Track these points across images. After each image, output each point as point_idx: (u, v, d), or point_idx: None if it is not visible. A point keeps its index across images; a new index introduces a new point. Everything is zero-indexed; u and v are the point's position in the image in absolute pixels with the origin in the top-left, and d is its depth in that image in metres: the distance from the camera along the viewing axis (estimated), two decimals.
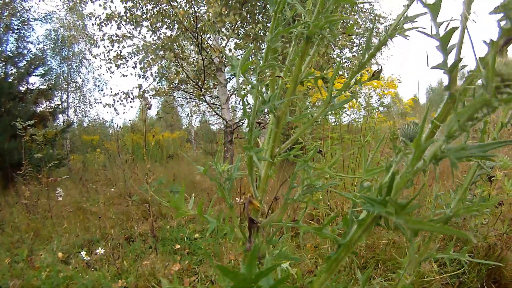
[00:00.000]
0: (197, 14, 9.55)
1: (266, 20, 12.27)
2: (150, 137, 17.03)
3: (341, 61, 15.36)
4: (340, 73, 13.21)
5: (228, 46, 11.10)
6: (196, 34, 9.45)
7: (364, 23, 17.07)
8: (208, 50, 10.08)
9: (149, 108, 4.09)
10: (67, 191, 8.29)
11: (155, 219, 6.25)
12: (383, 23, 17.34)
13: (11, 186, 8.90)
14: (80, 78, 24.24)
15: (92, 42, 13.25)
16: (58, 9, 23.38)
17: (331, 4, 1.27)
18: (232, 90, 11.49)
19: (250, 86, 1.30)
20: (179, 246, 4.89)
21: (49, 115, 14.14)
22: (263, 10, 12.00)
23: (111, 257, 4.39)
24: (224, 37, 10.76)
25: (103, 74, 24.80)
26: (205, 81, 10.26)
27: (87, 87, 25.21)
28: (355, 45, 16.66)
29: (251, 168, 1.40)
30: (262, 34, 11.15)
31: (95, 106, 25.69)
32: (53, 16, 22.50)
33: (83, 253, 4.38)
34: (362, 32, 16.62)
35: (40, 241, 5.20)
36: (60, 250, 4.70)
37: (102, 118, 26.36)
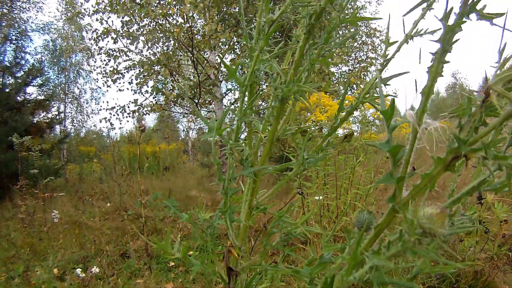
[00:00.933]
0: (193, 29, 9.61)
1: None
2: (147, 148, 17.11)
3: (337, 78, 15.32)
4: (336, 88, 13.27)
5: (225, 58, 11.19)
6: (192, 49, 9.52)
7: (360, 36, 17.16)
8: (204, 65, 10.16)
9: (143, 131, 4.17)
10: (63, 205, 8.35)
11: (150, 233, 6.31)
12: (378, 37, 17.41)
13: (8, 198, 8.93)
14: (78, 88, 24.40)
15: (89, 55, 13.32)
16: (56, 20, 23.51)
17: (306, 66, 1.33)
18: (228, 105, 11.55)
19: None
20: (173, 264, 4.95)
21: (46, 126, 14.16)
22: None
23: (105, 275, 4.45)
24: (220, 54, 10.86)
25: (100, 88, 24.84)
26: (201, 96, 10.32)
27: (84, 98, 25.28)
28: (351, 58, 16.76)
29: (231, 222, 1.46)
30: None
31: (92, 117, 25.78)
32: (51, 27, 22.63)
33: (78, 270, 4.43)
34: (358, 46, 16.72)
35: (36, 257, 5.25)
36: (55, 266, 4.75)
37: (100, 128, 26.39)
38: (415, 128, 0.97)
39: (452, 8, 0.87)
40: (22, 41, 18.86)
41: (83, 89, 24.65)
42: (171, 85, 10.85)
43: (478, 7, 0.86)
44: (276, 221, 1.54)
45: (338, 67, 15.88)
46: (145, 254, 4.84)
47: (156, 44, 11.35)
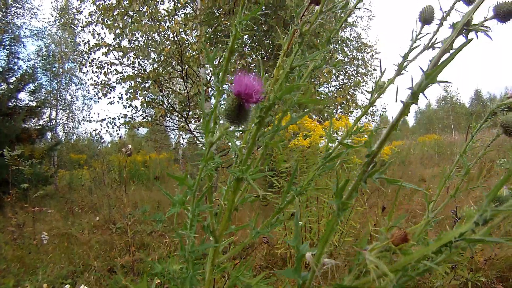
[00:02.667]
0: (184, 44, 9.75)
1: (253, 54, 12.54)
2: (138, 157, 17.18)
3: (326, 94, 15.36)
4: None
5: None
6: (181, 65, 9.67)
7: (350, 51, 17.29)
8: (195, 80, 10.30)
9: (129, 155, 4.31)
10: (52, 216, 8.44)
11: (137, 248, 6.42)
12: (369, 52, 17.55)
13: None
14: (70, 95, 24.40)
15: (81, 65, 13.43)
16: (50, 25, 23.56)
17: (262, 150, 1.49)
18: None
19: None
20: (158, 281, 5.05)
21: (37, 132, 14.20)
22: (251, 44, 12.29)
23: None
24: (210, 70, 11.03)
25: (91, 99, 24.86)
26: (190, 111, 10.46)
27: (76, 104, 25.29)
28: (341, 73, 16.87)
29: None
30: (249, 66, 11.45)
31: (83, 124, 25.77)
32: (44, 33, 22.68)
33: (67, 286, 4.55)
34: (348, 61, 16.83)
35: (26, 270, 5.35)
36: (45, 281, 4.86)
37: (90, 134, 26.42)
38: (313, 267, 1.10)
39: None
40: (15, 47, 18.93)
41: (75, 95, 24.66)
42: (161, 100, 10.98)
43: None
44: (234, 280, 1.67)
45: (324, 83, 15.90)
46: (131, 273, 4.96)
47: (146, 60, 11.48)
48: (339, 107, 14.35)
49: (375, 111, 18.16)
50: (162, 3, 10.96)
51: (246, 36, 11.89)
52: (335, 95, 16.00)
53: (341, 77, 17.12)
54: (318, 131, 5.33)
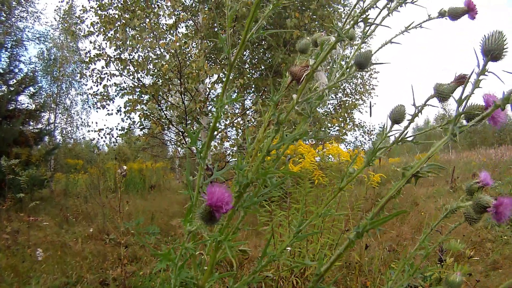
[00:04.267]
0: (183, 60, 9.86)
1: (253, 72, 12.71)
2: (134, 165, 17.21)
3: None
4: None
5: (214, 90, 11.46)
6: (180, 81, 9.78)
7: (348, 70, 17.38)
8: (193, 95, 10.41)
9: (124, 176, 4.39)
10: (46, 222, 8.49)
11: (130, 261, 6.48)
12: (368, 71, 17.69)
13: None
14: (69, 99, 24.48)
15: (82, 75, 13.49)
16: (52, 29, 23.67)
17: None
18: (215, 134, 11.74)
19: None
20: None
21: (35, 136, 14.24)
22: (251, 61, 12.44)
23: None
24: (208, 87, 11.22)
25: (90, 107, 24.91)
26: (188, 125, 10.55)
27: (75, 109, 25.35)
28: (339, 90, 16.96)
29: None
30: (248, 83, 11.63)
31: (81, 129, 25.83)
32: (47, 37, 22.78)
33: None
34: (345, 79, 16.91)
35: (19, 279, 5.40)
36: None
37: (88, 141, 26.41)
38: None
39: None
40: (17, 50, 19.00)
41: (74, 100, 24.74)
42: (158, 114, 11.08)
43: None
44: None
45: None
46: (122, 287, 5.02)
47: (145, 75, 11.59)
48: (333, 128, 14.45)
49: (372, 130, 18.24)
50: (164, 16, 11.05)
51: (246, 52, 12.05)
52: (332, 112, 16.10)
53: (340, 94, 17.24)
54: (308, 158, 5.41)
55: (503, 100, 1.22)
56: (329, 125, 14.13)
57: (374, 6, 1.69)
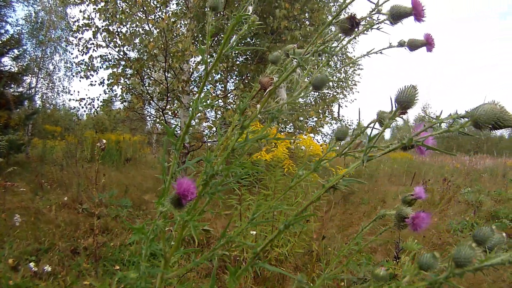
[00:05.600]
0: (170, 39, 9.97)
1: (238, 55, 12.84)
2: (112, 137, 17.24)
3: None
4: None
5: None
6: (165, 59, 9.90)
7: (335, 63, 17.41)
8: (177, 73, 10.52)
9: (103, 149, 4.55)
10: (21, 188, 8.61)
11: (101, 232, 6.65)
12: (352, 66, 17.77)
13: None
14: (52, 65, 24.33)
15: (68, 42, 13.50)
16: None
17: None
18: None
19: None
20: (118, 267, 5.30)
21: (15, 99, 14.20)
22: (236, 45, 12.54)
23: (56, 270, 4.84)
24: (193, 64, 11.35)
25: (73, 76, 24.71)
26: (168, 104, 10.70)
27: (58, 75, 25.21)
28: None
29: None
30: (232, 67, 11.76)
31: (62, 95, 25.71)
32: None
33: (31, 264, 4.80)
34: (331, 72, 16.89)
35: None
36: (11, 256, 5.09)
37: (68, 106, 26.26)
38: None
39: None
40: (5, 10, 18.79)
41: (57, 66, 24.58)
42: (141, 89, 11.19)
43: None
44: None
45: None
46: (93, 256, 5.21)
47: (131, 49, 11.67)
48: (311, 119, 14.57)
49: (350, 124, 18.38)
50: None
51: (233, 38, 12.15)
52: (312, 104, 16.23)
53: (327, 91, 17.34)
54: (280, 147, 5.63)
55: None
56: (307, 116, 14.26)
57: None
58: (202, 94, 1.86)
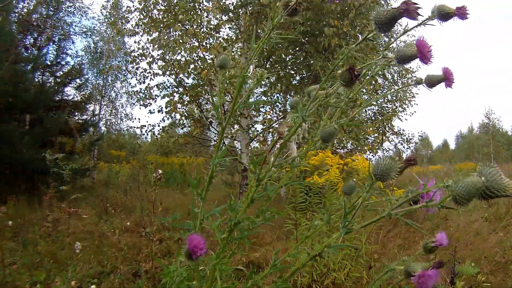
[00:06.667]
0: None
1: (296, 74, 12.82)
2: (175, 160, 17.47)
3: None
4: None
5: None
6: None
7: (391, 75, 17.08)
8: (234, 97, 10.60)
9: (159, 180, 4.64)
10: (86, 214, 8.82)
11: (163, 255, 6.73)
12: (409, 78, 17.15)
13: (37, 202, 9.40)
14: (114, 92, 24.91)
15: (127, 72, 13.84)
16: (99, 22, 24.17)
17: None
18: (252, 136, 11.88)
19: None
20: None
21: (80, 127, 14.60)
22: (292, 63, 12.53)
23: None
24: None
25: (134, 104, 25.28)
26: (228, 126, 10.79)
27: (120, 102, 25.75)
28: (380, 96, 16.66)
29: None
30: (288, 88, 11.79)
31: (125, 121, 26.22)
32: (93, 31, 23.28)
33: (93, 286, 4.91)
34: (388, 86, 16.55)
35: (57, 265, 5.68)
36: (74, 278, 5.21)
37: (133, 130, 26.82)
38: None
39: None
40: (64, 43, 19.43)
41: (119, 93, 25.15)
42: (198, 115, 11.33)
43: None
44: None
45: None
46: (152, 279, 5.27)
47: (187, 76, 11.85)
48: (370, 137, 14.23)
49: (411, 138, 17.73)
50: (203, 23, 11.24)
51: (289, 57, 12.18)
52: (372, 119, 15.98)
53: (381, 100, 16.92)
54: (332, 170, 5.56)
55: None
56: (365, 134, 13.88)
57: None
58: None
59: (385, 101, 16.98)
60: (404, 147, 17.47)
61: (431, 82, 1.89)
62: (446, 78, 1.82)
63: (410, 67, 17.11)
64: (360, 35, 12.36)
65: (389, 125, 15.71)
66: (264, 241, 7.32)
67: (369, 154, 13.93)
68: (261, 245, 7.20)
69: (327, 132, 1.95)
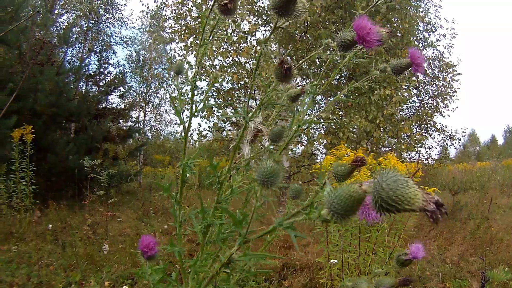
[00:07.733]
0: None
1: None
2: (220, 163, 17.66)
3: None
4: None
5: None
6: (250, 87, 10.10)
7: (432, 71, 16.76)
8: None
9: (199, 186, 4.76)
10: (126, 217, 9.01)
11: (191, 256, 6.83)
12: (450, 73, 16.74)
13: (78, 206, 9.64)
14: (158, 98, 25.22)
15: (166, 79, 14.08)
16: (140, 31, 24.57)
17: None
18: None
19: None
20: None
21: (124, 133, 14.89)
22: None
23: None
24: None
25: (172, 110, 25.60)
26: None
27: (164, 108, 26.02)
28: (421, 92, 16.42)
29: None
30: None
31: (171, 126, 26.49)
32: (135, 40, 23.72)
33: (125, 287, 5.05)
34: (429, 81, 16.25)
35: (93, 267, 5.85)
36: (108, 279, 5.37)
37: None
38: None
39: None
40: (106, 53, 19.87)
41: (163, 99, 25.44)
42: (235, 118, 11.46)
43: None
44: None
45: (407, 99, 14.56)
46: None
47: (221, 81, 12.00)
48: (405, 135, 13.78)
49: (454, 135, 17.13)
50: (242, 21, 11.34)
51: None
52: (412, 115, 15.70)
53: (423, 96, 16.63)
54: (362, 172, 5.48)
55: None
56: (401, 133, 13.41)
57: None
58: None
59: (426, 97, 16.72)
60: (447, 144, 16.97)
61: (397, 69, 1.87)
62: (413, 63, 1.75)
63: (451, 61, 16.74)
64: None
65: (431, 122, 15.36)
66: (303, 242, 7.34)
67: (410, 153, 13.69)
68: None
69: (274, 132, 1.97)
